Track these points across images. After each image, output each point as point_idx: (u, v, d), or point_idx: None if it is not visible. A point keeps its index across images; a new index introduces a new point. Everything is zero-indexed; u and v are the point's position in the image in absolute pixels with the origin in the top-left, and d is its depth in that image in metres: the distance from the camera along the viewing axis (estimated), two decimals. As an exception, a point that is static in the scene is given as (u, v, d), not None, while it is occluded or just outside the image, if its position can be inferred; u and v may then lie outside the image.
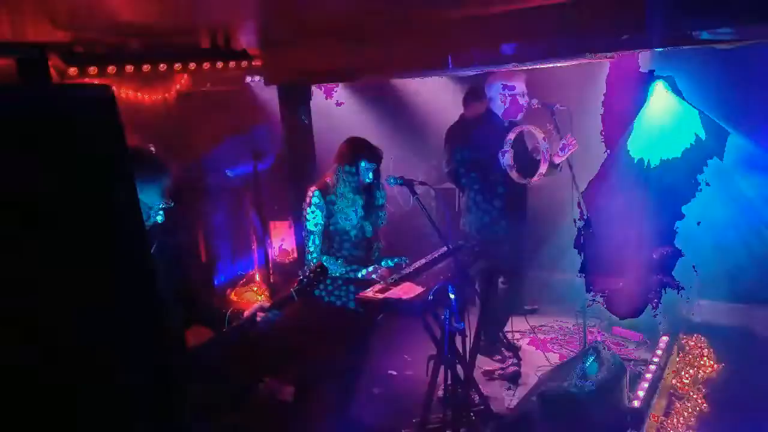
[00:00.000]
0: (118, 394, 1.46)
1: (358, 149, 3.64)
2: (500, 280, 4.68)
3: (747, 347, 4.60)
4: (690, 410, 3.95)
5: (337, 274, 3.64)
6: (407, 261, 3.76)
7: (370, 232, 3.80)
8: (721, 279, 5.02)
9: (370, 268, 3.63)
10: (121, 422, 1.47)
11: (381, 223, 3.87)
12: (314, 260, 3.56)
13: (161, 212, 2.58)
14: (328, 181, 3.68)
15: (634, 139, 5.45)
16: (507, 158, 4.26)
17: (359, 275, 3.64)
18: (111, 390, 1.44)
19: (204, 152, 5.37)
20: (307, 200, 3.64)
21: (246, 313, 2.82)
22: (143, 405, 1.53)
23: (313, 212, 3.62)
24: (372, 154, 3.64)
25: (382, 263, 3.76)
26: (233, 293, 5.61)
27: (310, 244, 3.66)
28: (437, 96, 6.22)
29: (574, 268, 4.45)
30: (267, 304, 2.84)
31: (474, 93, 5.27)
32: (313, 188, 3.66)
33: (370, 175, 3.66)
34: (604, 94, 5.38)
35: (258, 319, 2.80)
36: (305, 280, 2.93)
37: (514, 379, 4.43)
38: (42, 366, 1.31)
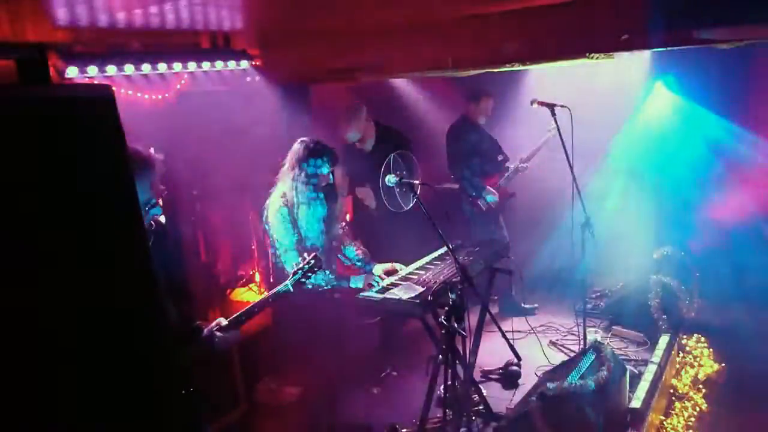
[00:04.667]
0: (117, 393, 1.46)
1: (316, 151, 3.48)
2: None
3: (747, 347, 4.60)
4: (690, 410, 3.95)
5: (327, 286, 3.60)
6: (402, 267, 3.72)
7: (332, 239, 3.66)
8: (721, 279, 5.03)
9: (360, 279, 3.61)
10: (122, 421, 1.47)
11: (337, 228, 3.70)
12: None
13: (158, 207, 2.58)
14: (284, 190, 3.51)
15: (632, 139, 5.46)
16: None
17: (352, 285, 3.63)
18: (111, 390, 1.44)
19: (204, 152, 5.36)
20: (273, 218, 3.46)
21: (205, 331, 2.79)
22: (143, 403, 1.53)
23: (284, 229, 3.46)
24: (331, 154, 3.51)
25: (373, 269, 3.74)
26: (233, 293, 5.60)
27: (291, 261, 3.40)
28: (436, 95, 6.22)
29: (574, 268, 4.45)
30: (225, 322, 2.82)
31: (474, 94, 5.31)
32: (276, 204, 3.48)
33: (332, 176, 3.53)
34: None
35: (215, 339, 2.77)
36: (300, 271, 2.98)
37: (514, 379, 4.43)
38: (41, 363, 1.32)
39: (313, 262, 3.01)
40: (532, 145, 5.43)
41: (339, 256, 3.87)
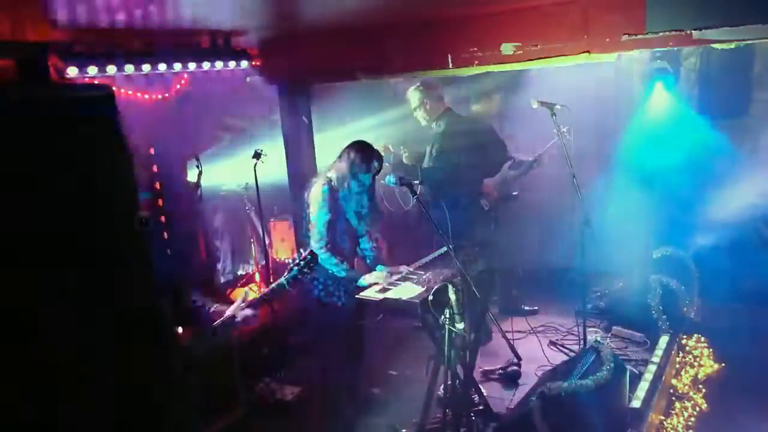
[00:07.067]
0: (117, 393, 1.46)
1: (370, 153, 3.70)
2: None
3: (747, 347, 4.60)
4: (690, 410, 3.95)
5: (340, 275, 3.64)
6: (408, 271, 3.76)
7: (362, 231, 3.85)
8: (721, 279, 5.02)
9: (368, 277, 3.66)
10: (123, 420, 1.47)
11: (371, 220, 3.88)
12: (321, 253, 3.57)
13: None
14: (331, 176, 3.70)
15: (632, 138, 5.45)
16: None
17: (360, 282, 3.65)
18: (111, 389, 1.44)
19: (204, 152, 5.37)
20: (315, 194, 3.67)
21: (228, 312, 2.87)
22: (142, 404, 1.53)
23: (321, 206, 3.63)
24: (380, 157, 3.74)
25: (378, 268, 3.76)
26: (233, 293, 5.60)
27: (316, 236, 3.65)
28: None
29: (574, 268, 4.45)
30: (248, 301, 2.90)
31: (482, 92, 5.30)
32: (321, 183, 3.69)
33: (372, 176, 3.71)
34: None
35: (238, 318, 2.84)
36: (295, 268, 3.00)
37: (514, 379, 4.43)
38: (41, 363, 1.31)
39: (309, 258, 3.05)
40: (540, 146, 5.42)
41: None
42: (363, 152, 3.68)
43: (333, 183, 3.68)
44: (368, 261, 3.89)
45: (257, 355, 4.69)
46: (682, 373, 4.40)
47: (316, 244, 3.62)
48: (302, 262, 3.04)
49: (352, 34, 4.26)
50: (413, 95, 5.10)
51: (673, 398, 4.11)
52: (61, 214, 1.34)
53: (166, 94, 4.76)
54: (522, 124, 5.64)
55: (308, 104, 5.21)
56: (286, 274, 3.05)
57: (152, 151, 4.65)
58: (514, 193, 5.52)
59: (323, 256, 3.56)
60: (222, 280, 5.80)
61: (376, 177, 3.78)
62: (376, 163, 3.69)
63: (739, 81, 5.09)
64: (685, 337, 4.77)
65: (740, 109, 5.15)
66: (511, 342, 4.79)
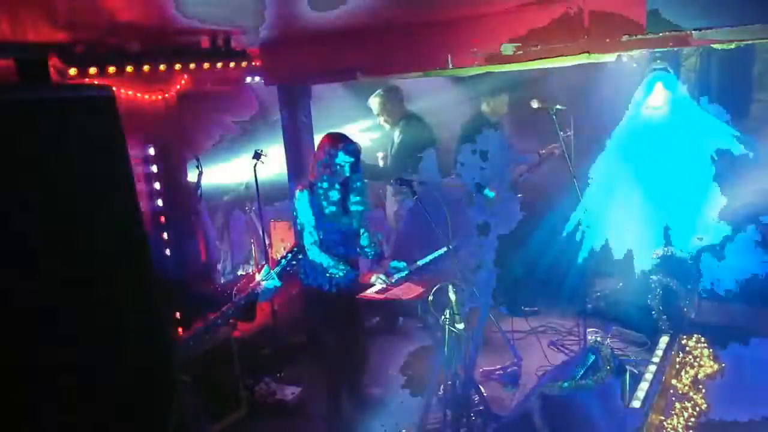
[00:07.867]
0: (116, 393, 1.46)
1: (334, 143, 3.66)
2: None
3: (747, 347, 4.59)
4: (690, 410, 3.95)
5: (338, 275, 3.63)
6: (405, 266, 3.76)
7: (356, 227, 3.79)
8: (722, 279, 5.02)
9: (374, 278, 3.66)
10: (121, 418, 1.48)
11: (363, 216, 3.83)
12: (314, 255, 3.56)
13: None
14: (311, 179, 3.70)
15: (631, 139, 5.45)
16: None
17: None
18: (110, 390, 1.45)
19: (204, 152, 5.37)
20: (296, 199, 3.69)
21: (252, 285, 3.11)
22: (139, 402, 1.53)
23: (303, 210, 3.64)
24: (348, 147, 3.65)
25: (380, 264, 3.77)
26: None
27: (305, 241, 3.65)
28: (439, 91, 6.20)
29: (574, 268, 4.45)
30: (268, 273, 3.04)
31: (489, 91, 5.29)
32: (300, 187, 3.71)
33: (347, 168, 3.65)
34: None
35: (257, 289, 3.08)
36: (283, 260, 3.09)
37: (514, 379, 4.43)
38: (41, 360, 1.32)
39: (296, 249, 3.19)
40: (548, 144, 5.42)
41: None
42: (329, 142, 3.66)
43: (310, 184, 3.67)
44: (370, 257, 3.87)
45: (257, 355, 4.69)
46: (682, 373, 4.40)
47: (308, 246, 3.62)
48: (289, 255, 3.13)
49: (352, 34, 4.26)
50: (373, 102, 5.24)
51: (673, 398, 4.10)
52: (61, 214, 1.34)
53: (166, 94, 4.76)
54: (530, 121, 5.63)
55: (308, 104, 5.21)
56: (274, 269, 3.14)
57: (152, 151, 4.65)
58: (518, 195, 5.51)
59: (317, 258, 3.56)
60: (222, 280, 5.80)
61: (357, 169, 3.71)
62: (343, 153, 3.61)
63: (739, 81, 5.09)
64: (685, 337, 4.76)
65: (740, 110, 5.14)
66: (511, 342, 4.80)
